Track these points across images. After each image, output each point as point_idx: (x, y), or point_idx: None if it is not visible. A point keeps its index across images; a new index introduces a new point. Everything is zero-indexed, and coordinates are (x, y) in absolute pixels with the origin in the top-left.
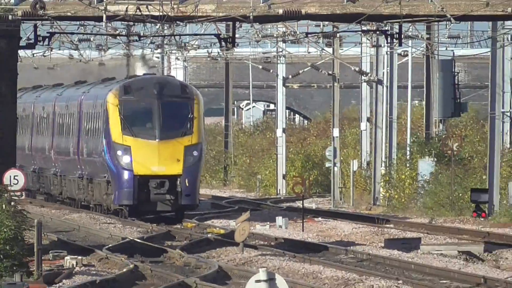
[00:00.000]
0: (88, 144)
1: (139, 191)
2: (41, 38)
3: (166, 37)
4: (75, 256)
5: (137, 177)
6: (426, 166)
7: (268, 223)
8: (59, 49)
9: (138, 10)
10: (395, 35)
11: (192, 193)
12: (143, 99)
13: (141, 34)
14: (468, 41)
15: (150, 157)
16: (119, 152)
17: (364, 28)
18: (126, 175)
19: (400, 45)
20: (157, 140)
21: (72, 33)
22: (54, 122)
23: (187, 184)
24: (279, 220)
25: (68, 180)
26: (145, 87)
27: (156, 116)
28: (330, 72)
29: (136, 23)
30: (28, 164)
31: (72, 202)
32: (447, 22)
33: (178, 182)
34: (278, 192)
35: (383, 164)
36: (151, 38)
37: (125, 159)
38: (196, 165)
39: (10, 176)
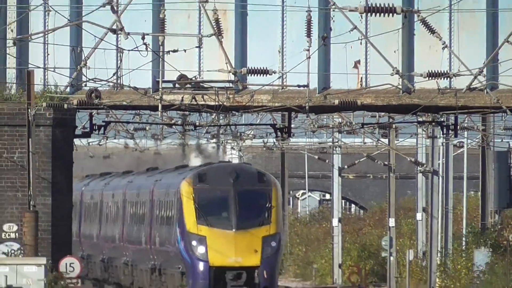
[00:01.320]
0: (160, 233)
1: (215, 283)
2: (96, 127)
3: (221, 126)
4: None
5: (213, 269)
6: (482, 256)
7: None
8: (115, 138)
9: (193, 100)
10: (450, 127)
11: (271, 285)
12: (219, 188)
13: (197, 123)
14: None
15: (227, 247)
16: (193, 242)
17: (420, 119)
18: (201, 266)
19: (455, 136)
20: (233, 230)
21: (128, 122)
22: (125, 210)
23: (265, 276)
24: None
25: (140, 270)
26: (221, 175)
27: (232, 205)
28: (386, 163)
29: (191, 113)
30: (97, 253)
31: None
32: (503, 114)
33: (256, 274)
34: (334, 281)
35: (438, 254)
36: (206, 127)
37: (200, 250)
38: (275, 256)
39: (66, 264)
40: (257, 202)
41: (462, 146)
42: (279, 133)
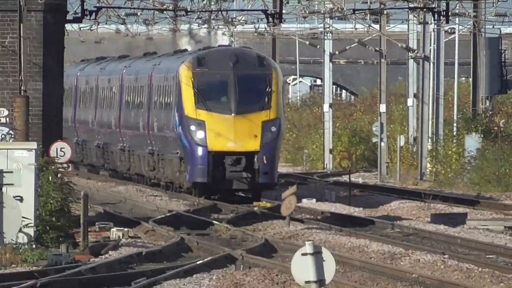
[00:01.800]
0: (159, 119)
1: (213, 169)
2: (88, 12)
3: (213, 12)
4: (121, 228)
5: (212, 154)
6: (472, 142)
7: (315, 198)
8: (106, 24)
9: None
10: (442, 13)
11: (271, 171)
12: (218, 72)
13: (188, 9)
14: None
15: (226, 132)
16: (192, 127)
17: (411, 5)
18: (200, 151)
19: (447, 22)
20: (233, 114)
21: (119, 8)
22: (122, 96)
23: (265, 162)
24: (326, 194)
25: (137, 156)
26: (220, 59)
27: (232, 90)
28: (377, 49)
29: None
30: (92, 139)
31: (141, 179)
32: (494, 0)
33: (255, 159)
34: (325, 166)
35: (429, 140)
36: (198, 13)
37: (199, 135)
38: (275, 142)
39: (57, 148)
40: (257, 87)
41: (454, 32)
42: (270, 19)
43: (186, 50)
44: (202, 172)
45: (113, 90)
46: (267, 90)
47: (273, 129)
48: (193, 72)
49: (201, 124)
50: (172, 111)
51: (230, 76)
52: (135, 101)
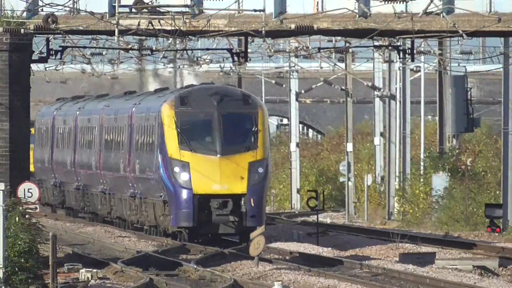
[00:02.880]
0: (140, 160)
1: (199, 212)
2: (53, 52)
3: (178, 51)
4: (90, 269)
5: (197, 197)
6: (440, 181)
7: (283, 238)
8: (72, 63)
9: (150, 25)
10: (407, 51)
11: (258, 214)
12: (202, 111)
13: (154, 48)
14: (480, 57)
15: (211, 174)
16: (176, 169)
17: (377, 43)
18: (184, 194)
19: (412, 60)
20: (218, 155)
21: (84, 47)
22: (102, 136)
23: (252, 204)
24: (295, 234)
25: (118, 199)
26: (204, 97)
27: (216, 129)
28: (343, 87)
29: (148, 38)
30: (71, 181)
31: (122, 223)
32: (459, 38)
33: (242, 202)
34: (293, 206)
35: (397, 179)
36: (163, 52)
37: (183, 177)
38: (262, 183)
39: (24, 189)
40: (242, 126)
41: (419, 71)
42: (235, 58)
43: (167, 88)
44: (187, 216)
45: (93, 130)
46: (253, 129)
47: (260, 170)
48: (176, 111)
49: (185, 166)
50: (155, 152)
51: (215, 115)
52: (116, 142)
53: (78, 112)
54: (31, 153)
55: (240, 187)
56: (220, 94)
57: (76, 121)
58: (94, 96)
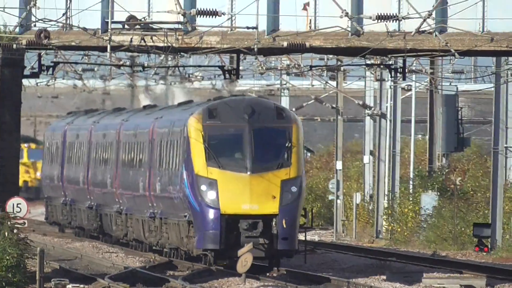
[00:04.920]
0: (162, 178)
1: (226, 234)
2: (45, 67)
3: (170, 68)
4: (77, 285)
5: (225, 217)
6: (429, 200)
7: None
8: (63, 79)
9: (142, 41)
10: (399, 69)
11: (291, 236)
12: (232, 124)
13: (145, 64)
14: (472, 76)
15: (240, 193)
16: (203, 187)
17: (368, 62)
18: (211, 214)
19: (404, 79)
20: (248, 173)
21: (76, 63)
22: (119, 153)
23: (284, 226)
24: None
25: (136, 220)
26: (234, 110)
27: (247, 145)
28: (333, 106)
29: (140, 54)
30: (83, 199)
31: (139, 245)
32: (451, 57)
33: (273, 223)
34: None
35: (386, 198)
36: (155, 69)
37: (210, 195)
38: (295, 203)
39: (13, 204)
40: (275, 141)
41: (410, 89)
42: (227, 75)
43: (191, 101)
44: (213, 238)
45: (109, 146)
46: (286, 145)
47: (294, 189)
48: (204, 125)
49: (212, 184)
50: (179, 169)
51: (246, 129)
52: (134, 159)
53: (92, 127)
54: (38, 168)
55: (272, 207)
56: (251, 106)
57: (90, 136)
58: (111, 110)
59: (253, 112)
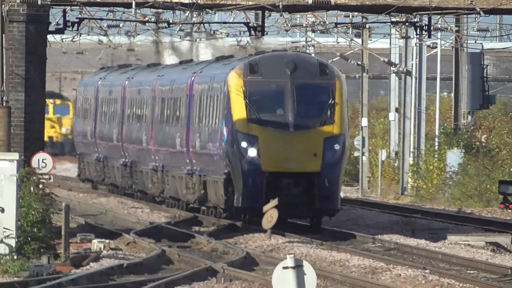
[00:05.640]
0: (201, 134)
1: (267, 191)
2: (70, 23)
3: (195, 24)
4: (103, 240)
5: (266, 174)
6: (454, 157)
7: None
8: (88, 35)
9: None
10: (424, 27)
11: (333, 195)
12: (274, 80)
13: (170, 21)
14: (497, 35)
15: (282, 150)
16: (243, 144)
17: (394, 19)
18: (252, 171)
19: (429, 37)
20: (290, 130)
21: (101, 19)
22: (154, 108)
23: (326, 185)
24: None
25: (172, 177)
26: (276, 65)
27: (289, 101)
28: (359, 63)
29: (165, 10)
30: (117, 156)
31: (175, 203)
32: (476, 15)
33: (315, 181)
34: None
35: (411, 155)
36: (180, 25)
37: (250, 152)
38: (338, 162)
39: (39, 160)
40: (318, 98)
41: (436, 47)
42: (252, 32)
43: (232, 56)
44: (254, 196)
45: (144, 102)
46: (329, 102)
47: (337, 147)
48: (245, 80)
49: (253, 140)
50: (219, 125)
51: (288, 85)
52: (171, 115)
53: (126, 83)
54: (70, 124)
55: (314, 165)
56: (294, 62)
57: (124, 92)
58: (144, 65)
59: (296, 68)
